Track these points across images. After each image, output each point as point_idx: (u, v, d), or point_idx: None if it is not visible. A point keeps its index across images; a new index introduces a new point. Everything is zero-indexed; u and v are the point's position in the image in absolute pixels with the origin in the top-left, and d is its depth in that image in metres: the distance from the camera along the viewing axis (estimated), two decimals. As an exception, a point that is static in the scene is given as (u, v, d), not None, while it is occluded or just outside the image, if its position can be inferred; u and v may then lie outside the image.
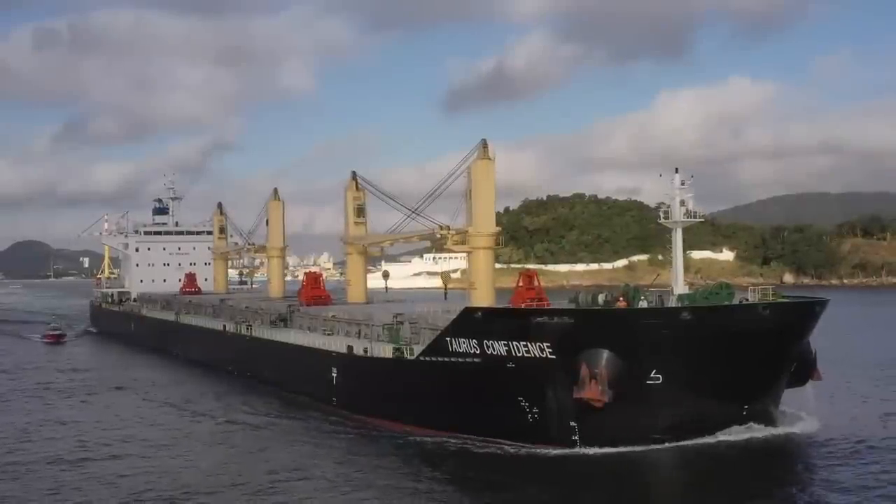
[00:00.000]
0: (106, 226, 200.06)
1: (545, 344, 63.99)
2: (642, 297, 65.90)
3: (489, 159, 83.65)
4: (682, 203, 70.70)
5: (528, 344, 64.81)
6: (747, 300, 67.96)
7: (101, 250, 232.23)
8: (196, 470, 64.14)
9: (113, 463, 66.42)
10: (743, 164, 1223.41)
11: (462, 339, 69.50)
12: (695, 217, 71.30)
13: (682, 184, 70.95)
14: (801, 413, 71.14)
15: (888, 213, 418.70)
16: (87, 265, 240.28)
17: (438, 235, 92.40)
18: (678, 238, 71.50)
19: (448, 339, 71.01)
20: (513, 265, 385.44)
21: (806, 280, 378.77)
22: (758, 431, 65.80)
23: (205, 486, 58.94)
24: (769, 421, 67.36)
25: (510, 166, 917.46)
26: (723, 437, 64.48)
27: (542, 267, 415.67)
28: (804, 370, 70.28)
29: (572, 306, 68.82)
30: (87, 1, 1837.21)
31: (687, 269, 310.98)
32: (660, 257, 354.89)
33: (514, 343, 65.62)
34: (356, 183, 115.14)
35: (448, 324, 72.36)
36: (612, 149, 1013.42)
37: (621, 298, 65.39)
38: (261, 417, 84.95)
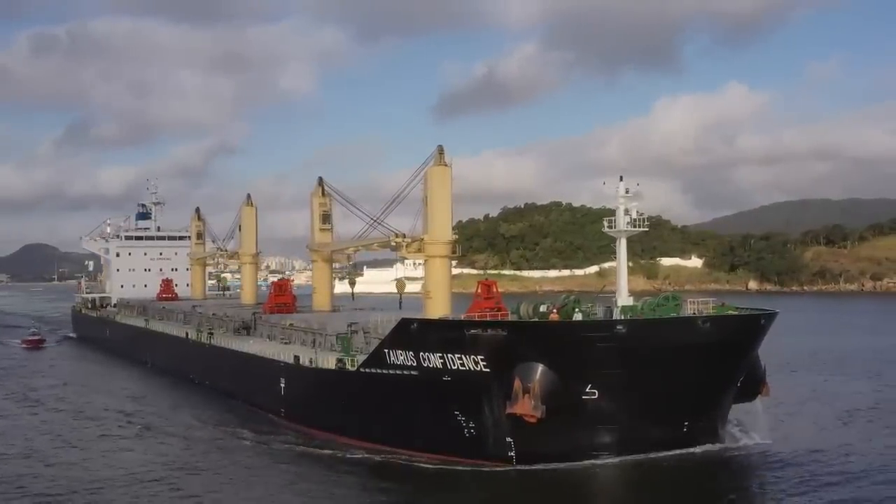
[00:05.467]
0: (109, 230, 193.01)
1: (479, 357, 58.17)
2: (578, 309, 59.95)
3: (445, 165, 77.38)
4: (627, 212, 64.86)
5: (463, 357, 59.00)
6: (699, 312, 61.86)
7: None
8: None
9: None
10: (744, 170, 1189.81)
11: (399, 351, 63.69)
12: (640, 226, 65.38)
13: (627, 192, 64.96)
14: (749, 429, 65.57)
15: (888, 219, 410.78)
16: (91, 268, 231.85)
17: (393, 243, 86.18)
18: (622, 247, 65.77)
19: (386, 350, 65.21)
20: (489, 271, 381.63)
21: (769, 287, 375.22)
22: (700, 448, 59.99)
23: None
24: (713, 438, 61.50)
25: (510, 172, 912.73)
26: (663, 453, 58.48)
27: (517, 273, 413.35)
28: (753, 385, 64.36)
29: (514, 318, 62.95)
30: (85, 8, 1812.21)
31: (656, 275, 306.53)
32: (630, 264, 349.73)
33: (449, 355, 59.77)
34: (322, 189, 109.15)
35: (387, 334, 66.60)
36: (612, 155, 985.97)
37: (555, 311, 59.41)
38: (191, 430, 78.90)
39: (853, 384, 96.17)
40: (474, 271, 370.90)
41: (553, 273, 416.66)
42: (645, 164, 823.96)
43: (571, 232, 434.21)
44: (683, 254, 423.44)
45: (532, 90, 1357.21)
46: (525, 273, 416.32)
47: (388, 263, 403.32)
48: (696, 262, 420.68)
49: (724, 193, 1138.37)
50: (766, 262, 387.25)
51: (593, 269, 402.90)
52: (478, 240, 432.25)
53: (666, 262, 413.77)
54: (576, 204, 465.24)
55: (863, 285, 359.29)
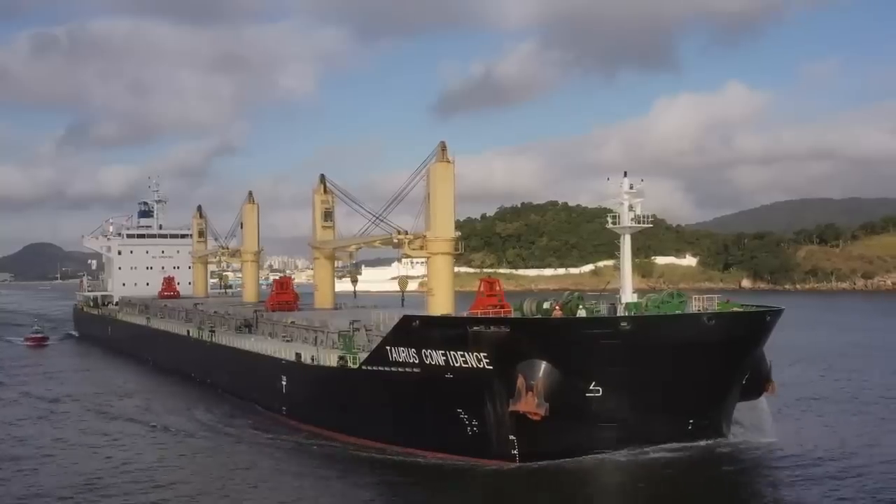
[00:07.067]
0: (111, 228, 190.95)
1: (482, 354, 56.59)
2: (582, 306, 58.38)
3: (448, 162, 75.90)
4: (631, 208, 63.37)
5: (466, 354, 57.41)
6: (704, 309, 60.31)
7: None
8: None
9: None
10: (744, 170, 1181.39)
11: (401, 348, 62.09)
12: (643, 223, 63.92)
13: (631, 188, 63.52)
14: (754, 427, 63.71)
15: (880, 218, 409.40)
16: (94, 267, 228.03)
17: (396, 240, 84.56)
18: (626, 244, 64.39)
19: (388, 347, 63.57)
20: (485, 269, 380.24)
21: (762, 285, 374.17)
22: (704, 446, 58.39)
23: None
24: (718, 435, 60.00)
25: (508, 171, 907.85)
26: (668, 452, 56.98)
27: (513, 271, 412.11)
28: (758, 382, 62.43)
29: (517, 315, 61.30)
30: (85, 8, 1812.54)
31: (650, 273, 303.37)
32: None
33: (452, 353, 58.18)
34: (324, 186, 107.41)
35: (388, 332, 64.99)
36: (611, 155, 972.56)
37: (558, 307, 57.86)
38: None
39: (855, 381, 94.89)
40: (471, 270, 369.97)
41: (549, 272, 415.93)
42: (644, 164, 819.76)
43: (567, 231, 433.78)
44: (678, 252, 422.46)
45: (531, 90, 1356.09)
46: (521, 272, 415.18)
47: (386, 262, 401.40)
48: (690, 260, 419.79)
49: (725, 193, 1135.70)
50: (759, 260, 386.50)
51: (588, 267, 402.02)
52: (474, 239, 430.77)
53: (660, 260, 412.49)
54: (571, 204, 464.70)
55: (854, 284, 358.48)
